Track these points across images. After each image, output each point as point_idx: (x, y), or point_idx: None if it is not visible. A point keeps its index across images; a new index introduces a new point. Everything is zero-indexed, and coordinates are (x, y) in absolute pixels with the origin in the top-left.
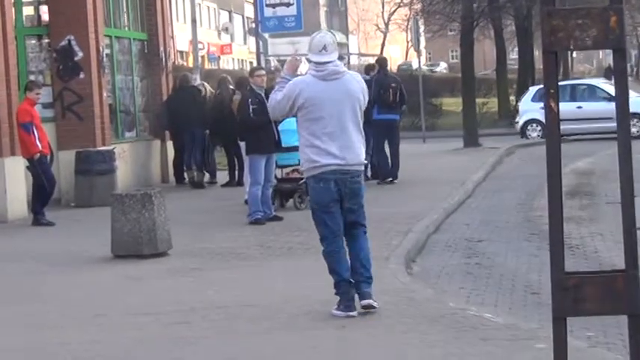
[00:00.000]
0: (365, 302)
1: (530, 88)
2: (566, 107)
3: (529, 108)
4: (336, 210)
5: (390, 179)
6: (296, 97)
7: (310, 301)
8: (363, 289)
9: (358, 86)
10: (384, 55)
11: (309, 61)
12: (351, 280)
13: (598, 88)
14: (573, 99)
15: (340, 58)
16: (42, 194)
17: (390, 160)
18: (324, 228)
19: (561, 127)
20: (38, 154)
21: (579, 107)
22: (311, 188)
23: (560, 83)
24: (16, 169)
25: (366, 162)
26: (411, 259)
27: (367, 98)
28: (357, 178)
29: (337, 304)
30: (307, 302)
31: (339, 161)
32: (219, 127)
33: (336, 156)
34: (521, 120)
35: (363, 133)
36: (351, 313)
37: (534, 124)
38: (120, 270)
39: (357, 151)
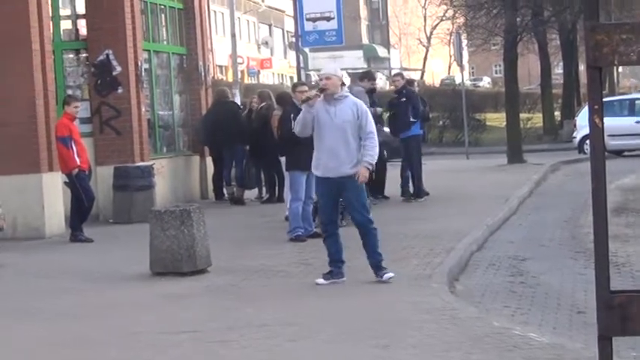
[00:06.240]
0: (376, 278)
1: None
2: (624, 122)
3: (587, 123)
4: (330, 201)
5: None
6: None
7: (351, 319)
8: (374, 269)
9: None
10: (427, 69)
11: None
12: (341, 258)
13: None
14: (632, 114)
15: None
16: (80, 210)
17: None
18: (322, 214)
19: (620, 142)
20: (77, 170)
21: (638, 122)
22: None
23: (618, 98)
24: (54, 184)
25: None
26: (453, 278)
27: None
28: (345, 179)
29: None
30: (348, 320)
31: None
32: (264, 141)
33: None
34: (578, 135)
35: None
36: (334, 280)
37: None
38: (158, 287)
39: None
